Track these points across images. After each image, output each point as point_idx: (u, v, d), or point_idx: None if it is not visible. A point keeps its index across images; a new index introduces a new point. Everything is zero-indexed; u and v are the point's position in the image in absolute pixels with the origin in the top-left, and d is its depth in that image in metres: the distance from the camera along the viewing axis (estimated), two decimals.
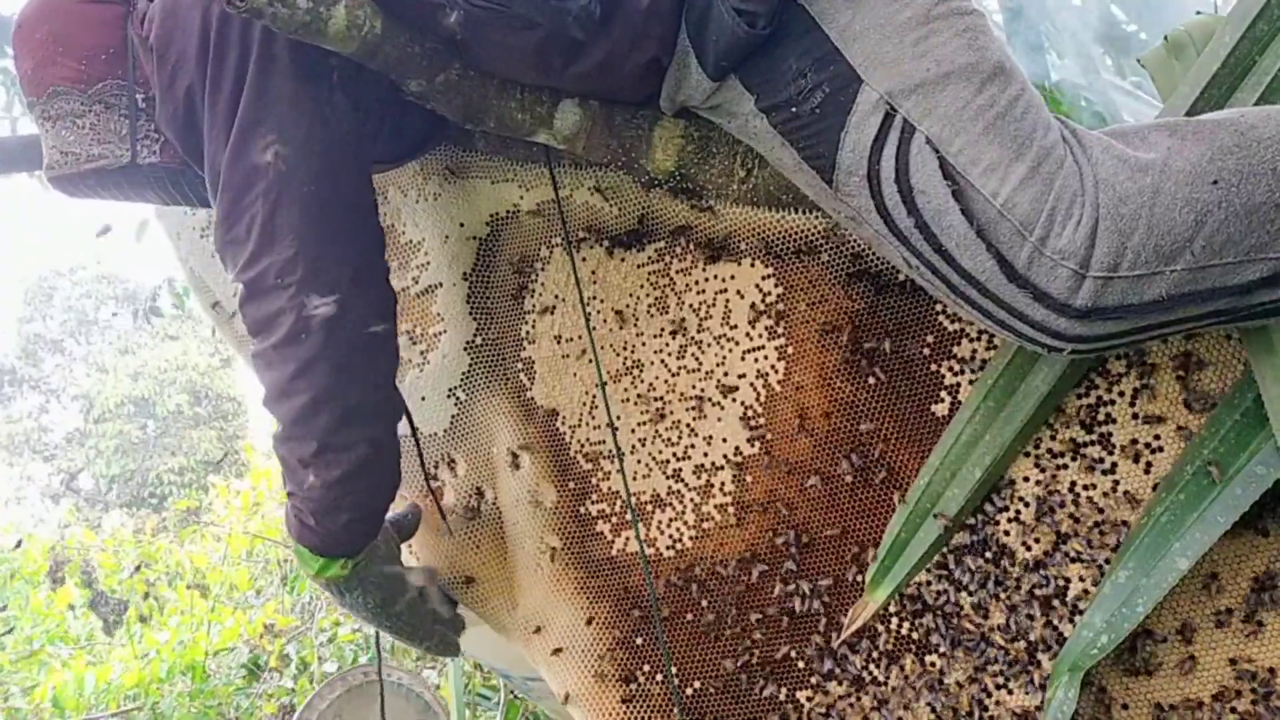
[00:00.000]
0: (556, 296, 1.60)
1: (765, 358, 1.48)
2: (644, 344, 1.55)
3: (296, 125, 1.26)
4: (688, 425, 1.53)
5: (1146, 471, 1.27)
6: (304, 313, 1.26)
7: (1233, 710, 1.25)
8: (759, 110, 1.21)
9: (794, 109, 1.17)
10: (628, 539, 1.58)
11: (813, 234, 1.42)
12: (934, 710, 1.39)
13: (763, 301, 1.47)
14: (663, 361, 1.54)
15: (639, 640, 1.55)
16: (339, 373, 1.30)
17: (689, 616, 1.53)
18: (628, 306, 1.55)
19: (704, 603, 1.52)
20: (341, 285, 1.29)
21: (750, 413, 1.49)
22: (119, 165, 1.41)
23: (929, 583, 1.38)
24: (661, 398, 1.54)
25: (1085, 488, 1.30)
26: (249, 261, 1.28)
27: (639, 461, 1.56)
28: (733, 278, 1.48)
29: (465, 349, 1.66)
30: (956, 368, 1.37)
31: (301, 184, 1.26)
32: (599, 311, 1.57)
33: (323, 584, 1.46)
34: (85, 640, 5.36)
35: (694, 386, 1.52)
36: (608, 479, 1.59)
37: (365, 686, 2.61)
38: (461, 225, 1.64)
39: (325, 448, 1.32)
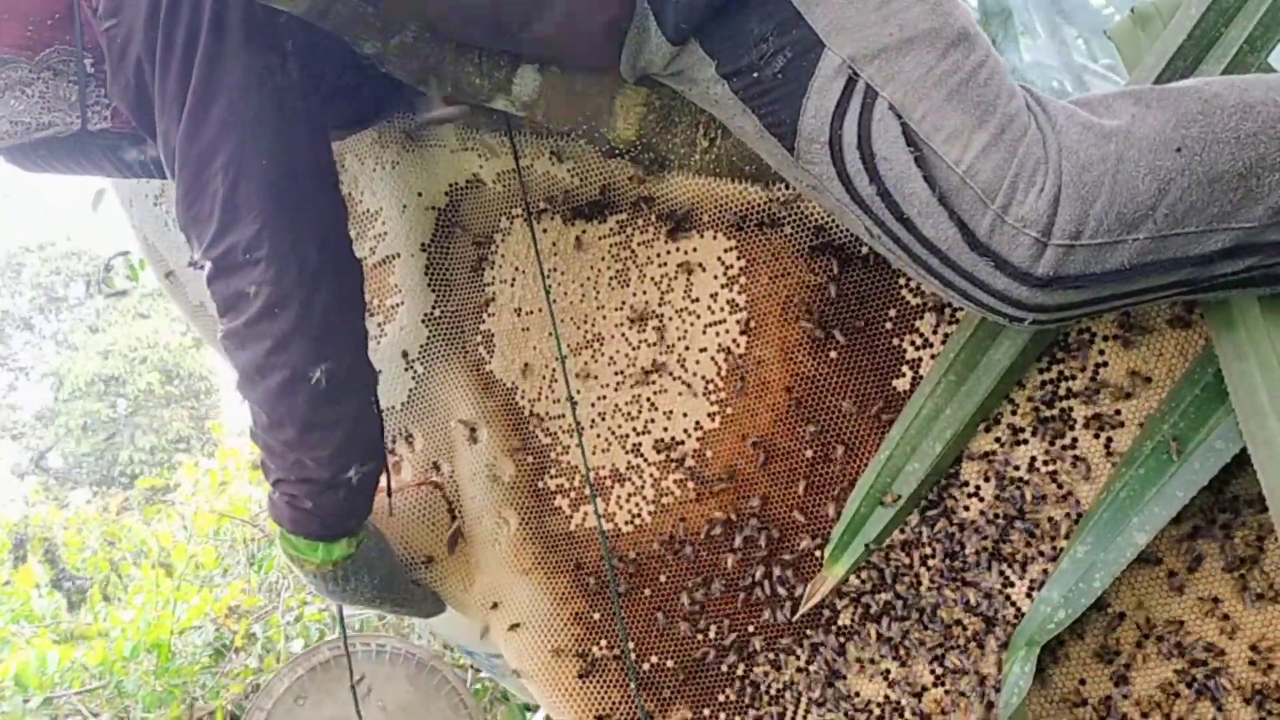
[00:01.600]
0: (516, 268, 1.58)
1: (727, 331, 1.45)
2: (605, 317, 1.52)
3: (248, 101, 1.23)
4: (648, 399, 1.51)
5: (1107, 447, 1.26)
6: (276, 288, 1.23)
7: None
8: (720, 76, 1.19)
9: (755, 74, 1.14)
10: (586, 514, 1.56)
11: (775, 206, 1.39)
12: (891, 684, 1.38)
13: (725, 274, 1.45)
14: (624, 335, 1.51)
15: (596, 615, 1.53)
16: (316, 345, 1.27)
17: (647, 592, 1.51)
18: (589, 279, 1.53)
19: (662, 578, 1.50)
20: (309, 258, 1.25)
21: (711, 387, 1.47)
22: (70, 133, 1.37)
23: (888, 557, 1.37)
24: (622, 371, 1.52)
25: (1045, 463, 1.29)
26: (215, 238, 1.24)
27: (598, 436, 1.54)
28: (695, 250, 1.46)
29: (423, 321, 1.63)
30: (918, 342, 1.35)
31: (259, 158, 1.23)
32: (559, 284, 1.54)
33: (325, 575, 1.41)
34: (50, 619, 5.30)
35: (655, 360, 1.50)
36: (567, 453, 1.57)
37: (333, 662, 2.55)
38: (420, 195, 1.60)
39: (310, 425, 1.29)
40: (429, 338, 1.63)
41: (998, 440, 1.31)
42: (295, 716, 2.50)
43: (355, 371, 1.34)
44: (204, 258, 1.26)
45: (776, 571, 1.44)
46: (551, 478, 1.58)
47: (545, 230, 1.54)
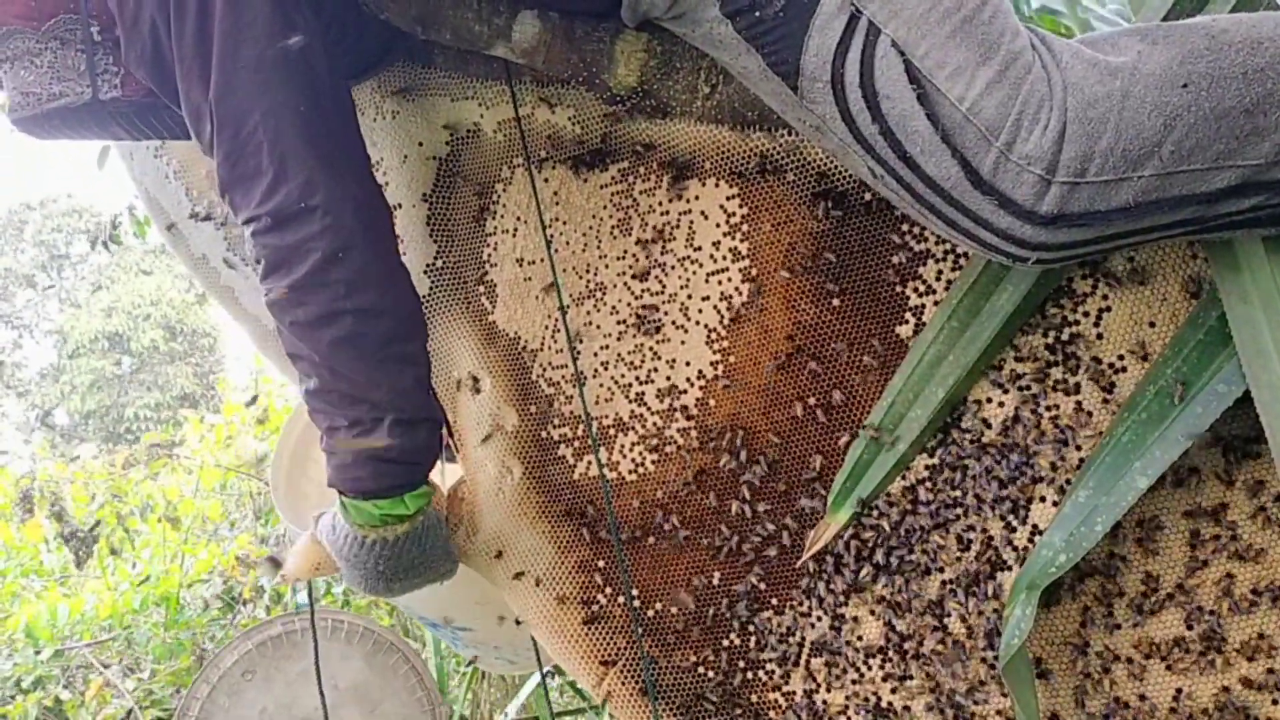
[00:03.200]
0: (518, 218, 1.57)
1: (729, 279, 1.45)
2: (607, 266, 1.52)
3: (275, 50, 1.22)
4: (650, 349, 1.51)
5: (1109, 391, 1.26)
6: (337, 232, 1.23)
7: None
8: (723, 16, 1.17)
9: (758, 13, 1.13)
10: (589, 463, 1.56)
11: (778, 153, 1.38)
12: (893, 629, 1.39)
13: (727, 222, 1.44)
14: (626, 284, 1.51)
15: (600, 563, 1.54)
16: (382, 282, 1.28)
17: (650, 540, 1.52)
18: (591, 228, 1.52)
19: (665, 526, 1.51)
20: (359, 197, 1.26)
21: (714, 335, 1.47)
22: (82, 102, 1.36)
23: (891, 503, 1.37)
24: (624, 320, 1.52)
25: (1048, 408, 1.29)
26: (269, 191, 1.22)
27: (601, 385, 1.54)
28: (697, 198, 1.45)
29: (425, 272, 1.63)
30: (921, 289, 1.35)
31: (296, 105, 1.22)
32: (561, 233, 1.53)
33: (408, 539, 1.39)
34: (59, 573, 5.35)
35: (657, 309, 1.49)
36: (570, 403, 1.57)
37: (285, 638, 2.47)
38: (420, 145, 1.59)
39: (385, 360, 1.28)
40: (431, 288, 1.63)
41: (1001, 386, 1.31)
42: (242, 692, 2.45)
43: (417, 310, 1.35)
44: (257, 211, 1.24)
45: (780, 518, 1.44)
46: (555, 427, 1.58)
47: (546, 179, 1.53)
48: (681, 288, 1.48)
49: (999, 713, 1.35)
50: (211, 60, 1.21)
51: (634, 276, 1.50)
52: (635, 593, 1.52)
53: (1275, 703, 1.23)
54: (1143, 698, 1.28)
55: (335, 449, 1.32)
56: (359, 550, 1.39)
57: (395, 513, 1.38)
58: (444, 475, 1.58)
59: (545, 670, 2.93)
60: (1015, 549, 1.32)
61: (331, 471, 1.35)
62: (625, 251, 1.50)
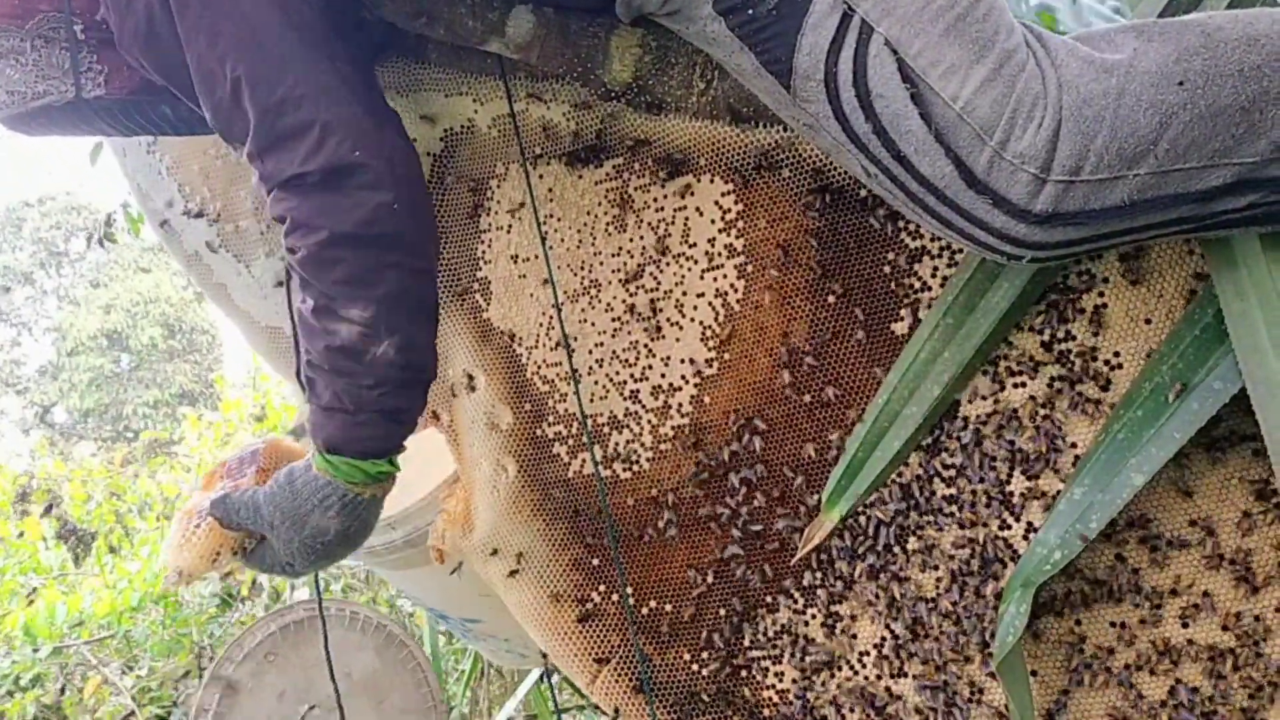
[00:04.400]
0: (512, 214, 1.56)
1: (724, 276, 1.44)
2: (602, 263, 1.51)
3: (296, 6, 1.22)
4: (645, 346, 1.50)
5: (1105, 388, 1.25)
6: (392, 184, 1.22)
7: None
8: (716, 13, 1.17)
9: (751, 11, 1.12)
10: (584, 461, 1.56)
11: (773, 149, 1.38)
12: (888, 628, 1.39)
13: (722, 219, 1.43)
14: (621, 281, 1.51)
15: (595, 561, 1.54)
16: (427, 236, 1.29)
17: (645, 537, 1.51)
18: (585, 225, 1.51)
19: (660, 523, 1.50)
20: (406, 152, 1.27)
21: (709, 333, 1.46)
22: (65, 101, 1.35)
23: (885, 502, 1.37)
24: (619, 318, 1.51)
25: (1043, 405, 1.28)
26: (317, 144, 1.20)
27: (596, 383, 1.54)
28: (692, 194, 1.45)
29: None
30: (917, 285, 1.34)
31: (332, 64, 1.22)
32: (556, 230, 1.53)
33: (375, 502, 1.38)
34: (58, 571, 5.35)
35: (652, 306, 1.49)
36: (564, 400, 1.56)
37: (306, 623, 2.50)
38: (414, 140, 1.58)
39: (426, 316, 1.30)
40: None
41: (996, 383, 1.30)
42: (263, 674, 2.47)
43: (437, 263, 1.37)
44: (304, 168, 1.21)
45: (774, 515, 1.44)
46: (550, 425, 1.58)
47: (541, 175, 1.52)
48: (676, 284, 1.47)
49: (993, 709, 1.35)
50: (229, 21, 1.20)
51: (629, 273, 1.49)
52: (629, 590, 1.52)
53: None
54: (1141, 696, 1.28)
55: (353, 407, 1.30)
56: (341, 510, 1.35)
57: (385, 470, 1.36)
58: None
59: (545, 668, 2.93)
60: (1010, 546, 1.31)
61: (335, 429, 1.31)
62: (620, 248, 1.50)
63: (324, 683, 2.39)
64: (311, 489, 1.33)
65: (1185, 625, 1.26)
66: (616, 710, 1.52)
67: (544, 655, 2.09)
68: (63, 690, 4.30)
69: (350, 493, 1.33)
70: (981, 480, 1.32)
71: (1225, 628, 1.24)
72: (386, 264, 1.24)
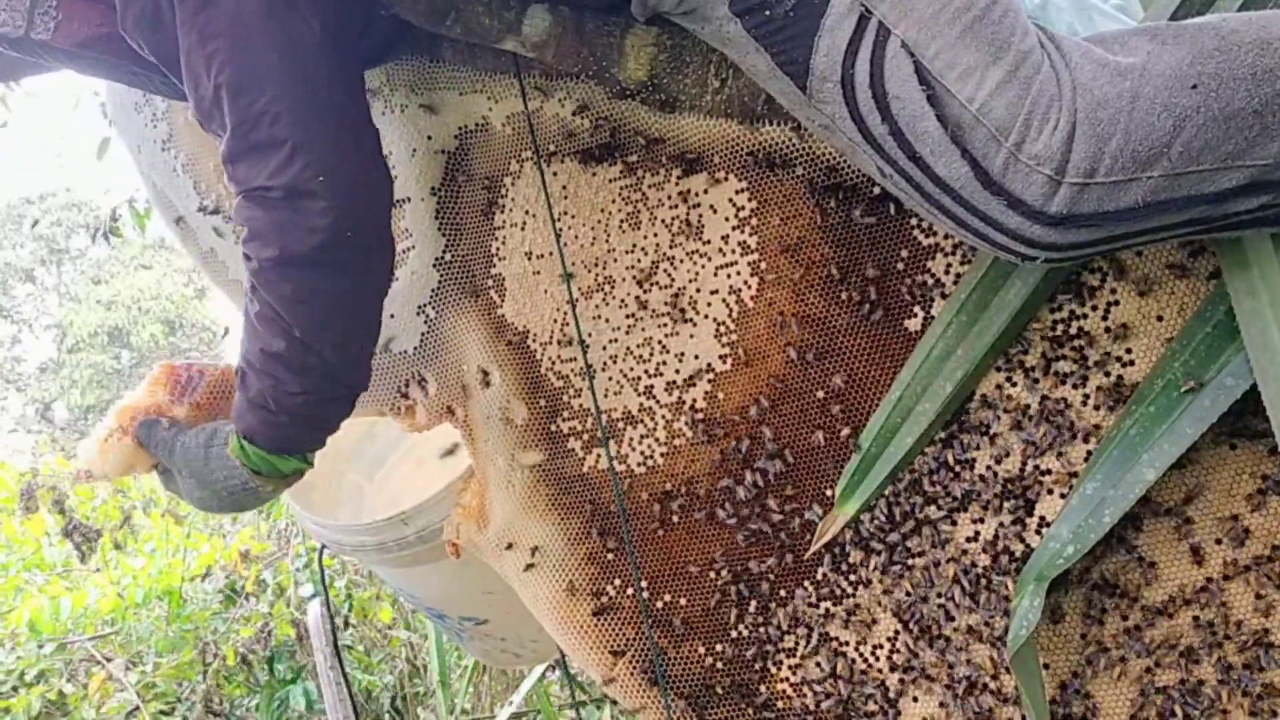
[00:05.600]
0: (527, 212, 1.58)
1: (738, 273, 1.46)
2: (616, 260, 1.53)
3: (294, 18, 1.23)
4: (660, 342, 1.52)
5: (1118, 385, 1.27)
6: (349, 213, 1.25)
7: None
8: (733, 14, 1.18)
9: (768, 12, 1.14)
10: (599, 456, 1.57)
11: (787, 147, 1.39)
12: (901, 621, 1.41)
13: (736, 216, 1.45)
14: (635, 278, 1.52)
15: (610, 555, 1.56)
16: (379, 266, 1.33)
17: (660, 532, 1.53)
18: (600, 222, 1.53)
19: (675, 518, 1.52)
20: (372, 181, 1.30)
21: (723, 329, 1.48)
22: (16, 36, 1.37)
23: (898, 497, 1.39)
24: (633, 314, 1.53)
25: (1056, 401, 1.30)
26: (285, 163, 1.23)
27: (610, 378, 1.55)
28: (706, 192, 1.46)
29: (434, 265, 1.64)
30: (930, 283, 1.36)
31: (314, 83, 1.24)
32: (570, 227, 1.54)
33: (266, 494, 1.45)
34: (62, 567, 5.35)
35: (666, 302, 1.50)
36: (579, 396, 1.58)
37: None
38: (429, 138, 1.60)
39: (362, 341, 1.36)
40: (440, 282, 1.64)
41: (1009, 380, 1.32)
42: None
43: (387, 289, 1.39)
44: (270, 182, 1.24)
45: (788, 510, 1.46)
46: (564, 420, 1.59)
47: (555, 173, 1.53)
48: (690, 281, 1.49)
49: (1006, 701, 1.36)
50: (224, 26, 1.22)
51: (643, 270, 1.51)
52: (644, 584, 1.53)
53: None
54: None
55: (275, 408, 1.35)
56: (240, 491, 1.43)
57: (297, 466, 1.44)
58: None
59: (548, 664, 2.95)
60: (1023, 541, 1.33)
61: (256, 422, 1.37)
62: (634, 245, 1.51)
63: None
64: (220, 463, 1.42)
65: (1197, 618, 1.27)
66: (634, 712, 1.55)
67: (544, 655, 2.11)
68: (68, 682, 4.31)
69: (253, 483, 1.42)
70: (995, 476, 1.33)
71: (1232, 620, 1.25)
72: (332, 289, 1.29)
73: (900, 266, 1.37)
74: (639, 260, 1.51)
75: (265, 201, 1.25)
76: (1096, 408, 1.28)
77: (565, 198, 1.54)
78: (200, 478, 1.43)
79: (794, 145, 1.39)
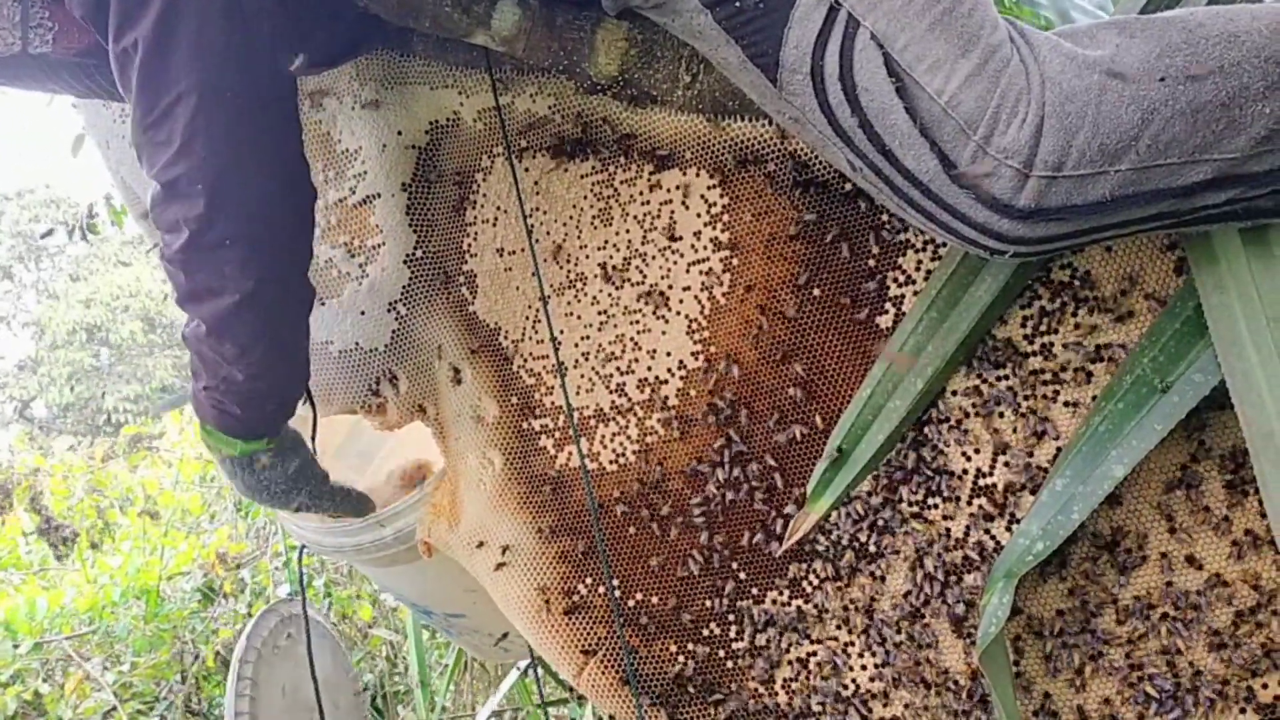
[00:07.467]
0: (498, 208, 1.56)
1: (710, 270, 1.45)
2: (588, 256, 1.52)
3: (217, 26, 1.21)
4: (631, 339, 1.51)
5: (1087, 380, 1.26)
6: (225, 218, 1.25)
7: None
8: (703, 6, 1.17)
9: (738, 4, 1.13)
10: (570, 454, 1.56)
11: (759, 143, 1.38)
12: (871, 617, 1.40)
13: (708, 212, 1.44)
14: (607, 275, 1.51)
15: (581, 553, 1.55)
16: (263, 272, 1.30)
17: (631, 530, 1.52)
18: (572, 218, 1.52)
19: (646, 516, 1.51)
20: (264, 188, 1.28)
21: (694, 325, 1.47)
22: (11, 54, 1.35)
23: (869, 494, 1.38)
24: (605, 311, 1.52)
25: (1026, 398, 1.29)
26: (169, 163, 1.24)
27: (582, 376, 1.54)
28: (678, 188, 1.45)
29: (405, 262, 1.62)
30: (901, 279, 1.35)
31: (225, 89, 1.22)
32: (542, 223, 1.53)
33: (237, 461, 1.47)
34: (38, 566, 5.31)
35: (638, 299, 1.49)
36: (551, 394, 1.57)
37: (293, 619, 2.57)
38: (399, 133, 1.58)
39: (249, 348, 1.33)
40: (411, 279, 1.62)
41: (980, 376, 1.31)
42: (274, 665, 2.52)
43: (298, 295, 1.40)
44: (157, 176, 1.26)
45: (759, 508, 1.45)
46: (536, 418, 1.58)
47: (527, 169, 1.52)
48: (662, 278, 1.48)
49: (973, 699, 1.36)
50: (149, 16, 1.20)
51: (615, 267, 1.50)
52: (616, 582, 1.52)
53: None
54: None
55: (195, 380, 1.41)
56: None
57: (226, 449, 1.46)
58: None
59: (531, 661, 2.94)
60: (993, 537, 1.32)
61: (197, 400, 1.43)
62: (606, 242, 1.50)
63: (306, 682, 2.44)
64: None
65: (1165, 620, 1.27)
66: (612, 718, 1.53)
67: (530, 648, 2.10)
68: (44, 681, 4.28)
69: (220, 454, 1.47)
70: (965, 472, 1.33)
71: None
72: (222, 288, 1.29)
73: (871, 263, 1.37)
74: (611, 256, 1.50)
75: (154, 198, 1.27)
76: (1066, 404, 1.28)
77: (537, 193, 1.52)
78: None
79: (766, 141, 1.38)
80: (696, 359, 1.47)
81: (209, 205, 1.24)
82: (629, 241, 1.48)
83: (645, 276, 1.48)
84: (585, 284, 1.52)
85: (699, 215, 1.44)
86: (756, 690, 1.48)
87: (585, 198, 1.50)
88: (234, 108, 1.23)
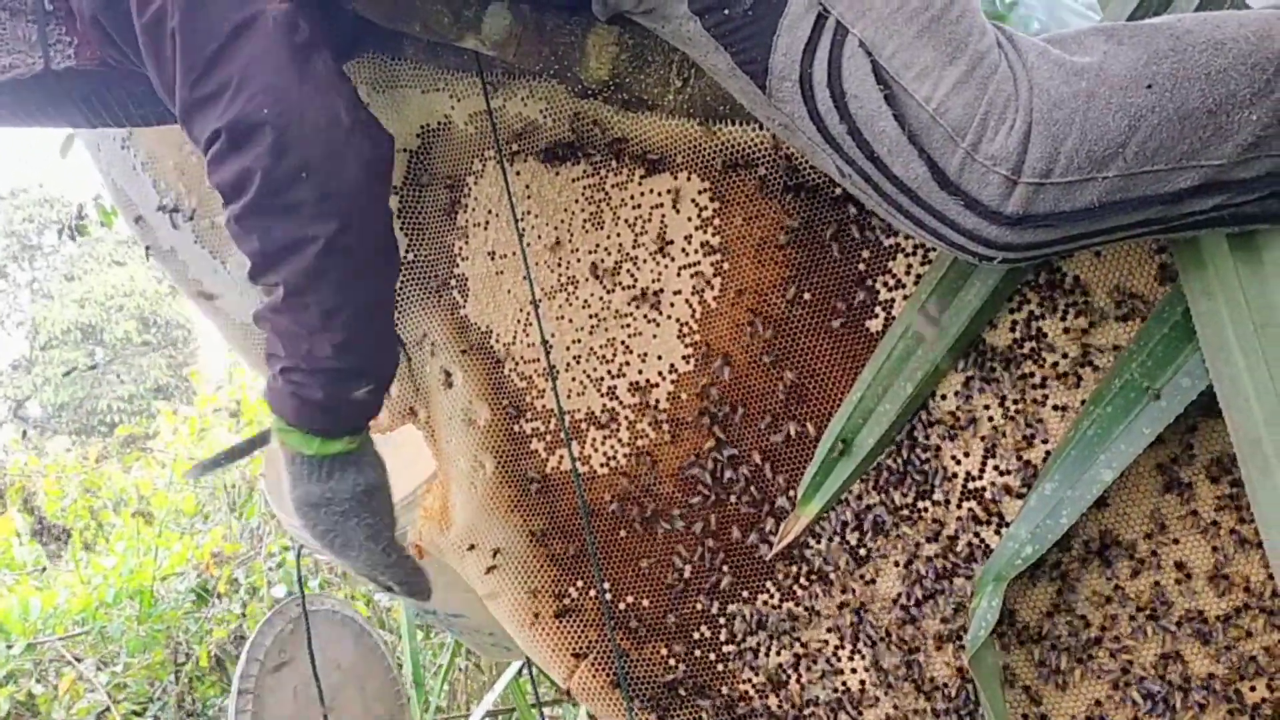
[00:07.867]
0: (490, 211, 1.56)
1: (701, 273, 1.45)
2: (579, 260, 1.52)
3: None
4: (623, 342, 1.51)
5: (1076, 384, 1.27)
6: (299, 149, 1.16)
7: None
8: (692, 13, 1.17)
9: (726, 11, 1.13)
10: (562, 457, 1.56)
11: (750, 147, 1.39)
12: (862, 621, 1.40)
13: (699, 216, 1.44)
14: (598, 278, 1.51)
15: (572, 556, 1.55)
16: (345, 226, 1.20)
17: (622, 533, 1.52)
18: (563, 222, 1.52)
19: (637, 519, 1.51)
20: (340, 118, 1.19)
21: (686, 329, 1.47)
22: (33, 74, 1.32)
23: (859, 497, 1.38)
24: (596, 314, 1.52)
25: (1015, 402, 1.30)
26: (229, 103, 1.16)
27: (573, 379, 1.54)
28: (669, 192, 1.45)
29: None
30: (891, 283, 1.36)
31: (277, 22, 1.18)
32: (533, 226, 1.53)
33: (308, 463, 1.32)
34: (32, 567, 5.30)
35: (629, 303, 1.49)
36: (542, 397, 1.57)
37: (302, 619, 2.56)
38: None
39: (334, 311, 1.22)
40: (402, 283, 1.62)
41: (969, 380, 1.32)
42: (281, 671, 2.53)
43: (384, 248, 1.28)
44: (217, 125, 1.17)
45: (750, 511, 1.45)
46: (527, 421, 1.58)
47: (518, 173, 1.52)
48: (653, 281, 1.48)
49: (963, 705, 1.36)
50: None
51: (606, 270, 1.50)
52: (607, 585, 1.52)
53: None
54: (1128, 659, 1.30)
55: (270, 366, 1.29)
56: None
57: (303, 448, 1.32)
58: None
59: (525, 661, 2.95)
60: (982, 541, 1.33)
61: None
62: (597, 245, 1.50)
63: (324, 676, 2.44)
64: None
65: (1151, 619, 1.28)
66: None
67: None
68: (38, 682, 4.28)
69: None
70: (955, 475, 1.33)
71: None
72: (308, 237, 1.19)
73: (861, 267, 1.37)
74: (602, 260, 1.50)
75: (220, 153, 1.18)
76: (1056, 407, 1.28)
77: (528, 197, 1.53)
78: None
79: (757, 145, 1.38)
80: (688, 362, 1.47)
81: (278, 131, 1.15)
82: (620, 245, 1.49)
83: (636, 280, 1.49)
84: (577, 287, 1.52)
85: (690, 219, 1.44)
86: (747, 693, 1.48)
87: (576, 201, 1.50)
88: (288, 27, 1.17)
